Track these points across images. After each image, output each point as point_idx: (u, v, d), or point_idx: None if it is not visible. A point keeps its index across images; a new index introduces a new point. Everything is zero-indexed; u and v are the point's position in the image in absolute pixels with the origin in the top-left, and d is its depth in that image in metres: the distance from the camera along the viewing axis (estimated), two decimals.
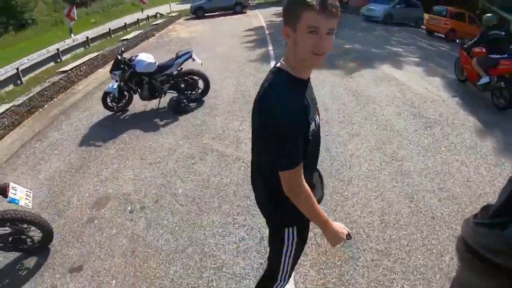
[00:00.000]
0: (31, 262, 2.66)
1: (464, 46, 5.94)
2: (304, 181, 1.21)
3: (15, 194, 2.37)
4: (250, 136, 1.42)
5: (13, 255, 2.69)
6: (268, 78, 1.23)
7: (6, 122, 4.94)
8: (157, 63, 4.94)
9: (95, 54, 8.22)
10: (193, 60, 5.05)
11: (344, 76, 6.54)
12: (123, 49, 5.36)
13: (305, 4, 1.03)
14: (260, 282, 1.73)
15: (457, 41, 6.89)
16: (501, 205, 0.61)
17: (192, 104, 5.25)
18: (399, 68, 7.27)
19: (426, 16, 14.93)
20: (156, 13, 17.24)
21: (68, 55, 8.80)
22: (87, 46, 9.94)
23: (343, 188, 3.20)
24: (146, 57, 4.90)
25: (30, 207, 2.47)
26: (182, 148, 4.09)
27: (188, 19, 17.15)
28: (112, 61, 5.06)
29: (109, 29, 11.86)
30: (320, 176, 1.53)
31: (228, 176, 3.48)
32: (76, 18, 10.42)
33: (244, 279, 2.31)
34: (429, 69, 7.21)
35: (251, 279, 2.30)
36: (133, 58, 4.91)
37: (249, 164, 3.65)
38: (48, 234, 2.67)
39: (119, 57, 4.82)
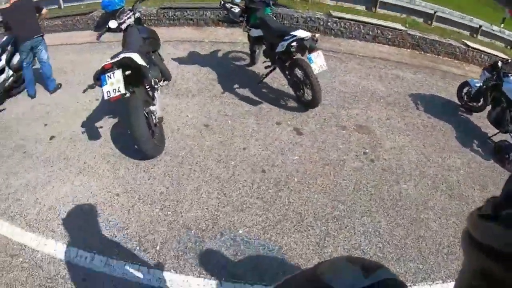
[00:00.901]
0: (282, 101, 3.69)
1: None
2: None
3: (315, 58, 3.16)
4: None
5: (283, 89, 3.81)
6: None
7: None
8: None
9: None
10: None
11: None
12: (509, 60, 4.75)
13: None
14: None
15: None
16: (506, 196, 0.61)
17: None
18: None
19: None
20: None
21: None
22: None
23: None
24: None
25: (316, 73, 3.25)
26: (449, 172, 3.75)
27: None
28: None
29: None
30: None
31: None
32: None
33: None
34: None
35: None
36: (510, 75, 4.38)
37: None
38: (315, 102, 3.49)
39: (499, 64, 4.49)
